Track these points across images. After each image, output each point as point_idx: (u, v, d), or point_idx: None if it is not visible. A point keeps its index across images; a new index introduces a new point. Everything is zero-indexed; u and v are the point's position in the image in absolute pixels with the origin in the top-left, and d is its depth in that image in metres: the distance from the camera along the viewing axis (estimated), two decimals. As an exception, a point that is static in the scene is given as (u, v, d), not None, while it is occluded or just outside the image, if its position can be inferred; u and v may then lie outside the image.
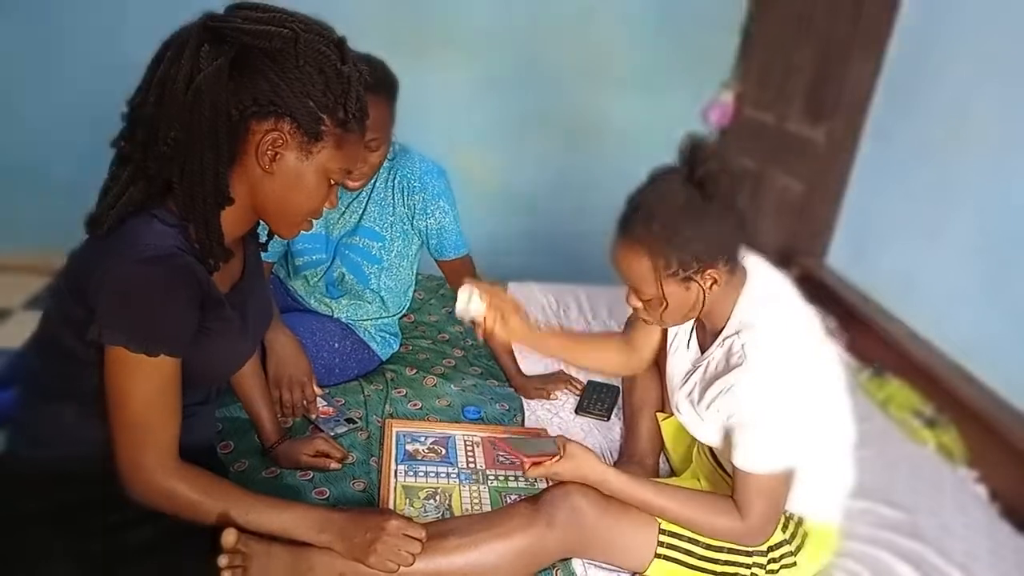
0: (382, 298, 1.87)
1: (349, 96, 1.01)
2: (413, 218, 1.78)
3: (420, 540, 1.16)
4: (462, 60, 3.13)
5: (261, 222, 1.13)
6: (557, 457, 1.24)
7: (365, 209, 1.77)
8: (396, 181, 1.76)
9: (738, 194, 1.15)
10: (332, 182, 1.07)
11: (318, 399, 1.70)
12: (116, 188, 0.98)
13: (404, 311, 1.98)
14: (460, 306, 1.39)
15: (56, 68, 2.92)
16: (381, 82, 1.55)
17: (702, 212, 1.13)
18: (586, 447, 1.25)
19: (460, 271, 1.83)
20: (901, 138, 2.35)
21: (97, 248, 0.98)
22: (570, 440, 1.28)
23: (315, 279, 1.87)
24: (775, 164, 2.95)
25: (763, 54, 3.07)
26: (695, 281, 1.19)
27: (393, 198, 1.77)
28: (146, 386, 0.99)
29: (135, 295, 0.95)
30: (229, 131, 0.97)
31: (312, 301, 1.88)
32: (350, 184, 1.66)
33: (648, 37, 3.19)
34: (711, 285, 1.19)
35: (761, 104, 3.08)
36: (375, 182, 1.76)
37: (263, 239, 1.23)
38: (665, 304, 1.22)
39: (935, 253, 2.17)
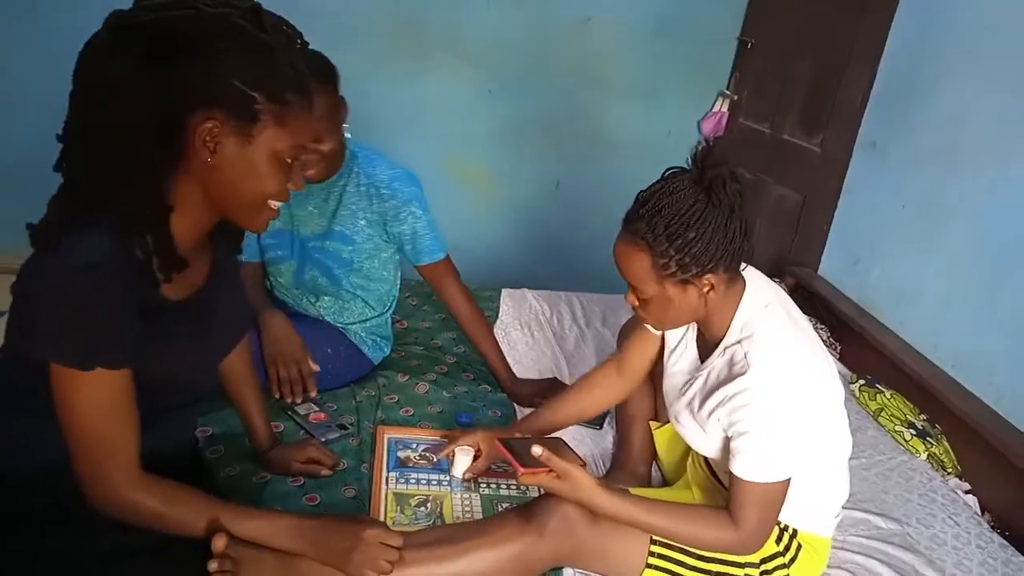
0: (361, 298, 1.86)
1: (277, 65, 0.94)
2: (386, 224, 1.77)
3: (397, 548, 1.14)
4: (462, 68, 3.13)
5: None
6: (551, 471, 1.22)
7: (335, 213, 1.76)
8: (364, 187, 1.74)
9: (745, 202, 1.16)
10: (289, 161, 1.00)
11: (309, 404, 1.69)
12: (54, 202, 0.95)
13: (391, 309, 1.96)
14: (458, 471, 1.50)
15: (52, 73, 2.91)
16: (321, 70, 1.50)
17: (707, 216, 1.14)
18: (582, 469, 1.22)
19: (439, 276, 1.82)
20: (895, 149, 2.36)
21: (31, 264, 0.94)
22: (566, 459, 1.25)
23: (284, 277, 1.87)
24: (770, 174, 2.97)
25: (759, 65, 3.09)
26: (693, 285, 1.19)
27: (362, 203, 1.75)
28: (91, 400, 0.94)
29: (63, 307, 0.90)
30: (161, 133, 0.91)
31: (299, 304, 1.88)
32: (306, 173, 1.55)
33: (646, 47, 3.20)
34: (709, 291, 1.19)
35: (757, 114, 3.10)
36: (344, 185, 1.73)
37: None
38: (662, 305, 1.22)
39: (928, 264, 2.18)
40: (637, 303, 1.26)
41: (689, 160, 1.18)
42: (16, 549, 1.03)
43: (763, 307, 1.24)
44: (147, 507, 1.00)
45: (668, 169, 1.21)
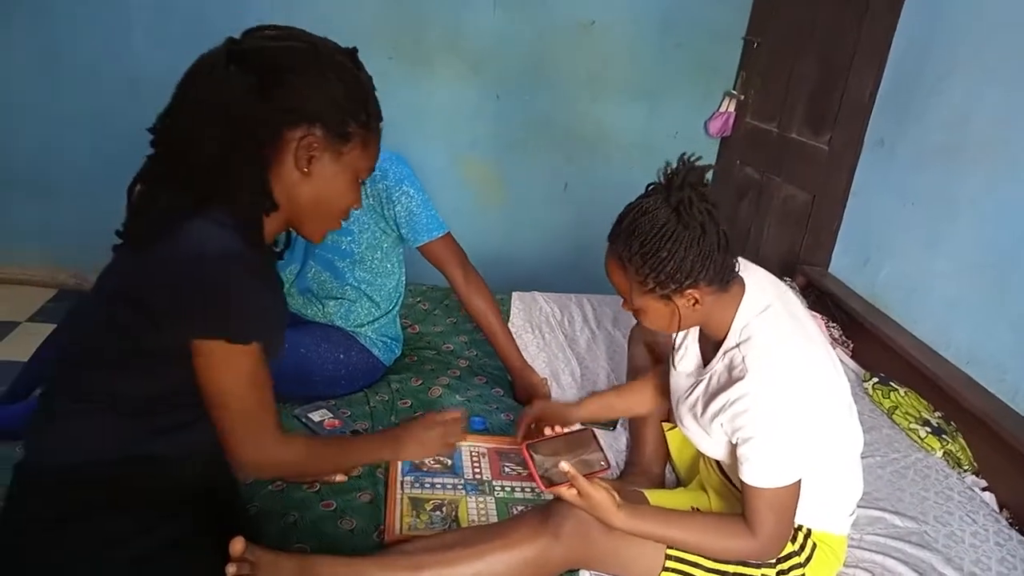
0: (367, 295, 1.87)
1: (369, 99, 1.11)
2: (382, 208, 1.77)
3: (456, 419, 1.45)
4: (466, 70, 3.14)
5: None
6: (570, 486, 1.21)
7: None
8: None
9: (716, 220, 1.16)
10: (359, 181, 1.15)
11: (323, 411, 1.70)
12: (163, 203, 1.02)
13: (397, 306, 1.96)
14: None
15: (59, 79, 2.94)
16: None
17: (678, 236, 1.15)
18: (604, 492, 1.21)
19: (442, 254, 1.82)
20: (903, 147, 2.36)
21: (152, 256, 1.01)
22: (591, 473, 1.25)
23: (287, 284, 1.88)
24: (778, 173, 2.96)
25: (766, 64, 3.09)
26: (675, 299, 1.20)
27: None
28: (246, 371, 1.04)
29: (225, 288, 0.99)
30: (264, 140, 1.03)
31: (307, 311, 1.88)
32: None
33: (651, 48, 3.21)
34: (693, 304, 1.20)
35: (764, 114, 3.09)
36: None
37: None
38: (652, 315, 1.25)
39: (939, 261, 2.17)
40: (631, 311, 1.28)
41: (660, 178, 1.19)
42: (43, 546, 1.05)
43: (762, 309, 1.24)
44: (296, 462, 1.19)
45: (650, 184, 1.21)
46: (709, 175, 1.20)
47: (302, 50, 1.04)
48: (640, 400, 1.61)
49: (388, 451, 1.41)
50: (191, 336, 1.01)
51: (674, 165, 1.18)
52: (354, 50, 1.12)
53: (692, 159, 1.18)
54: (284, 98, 1.02)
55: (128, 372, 1.05)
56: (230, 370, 1.03)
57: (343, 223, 1.17)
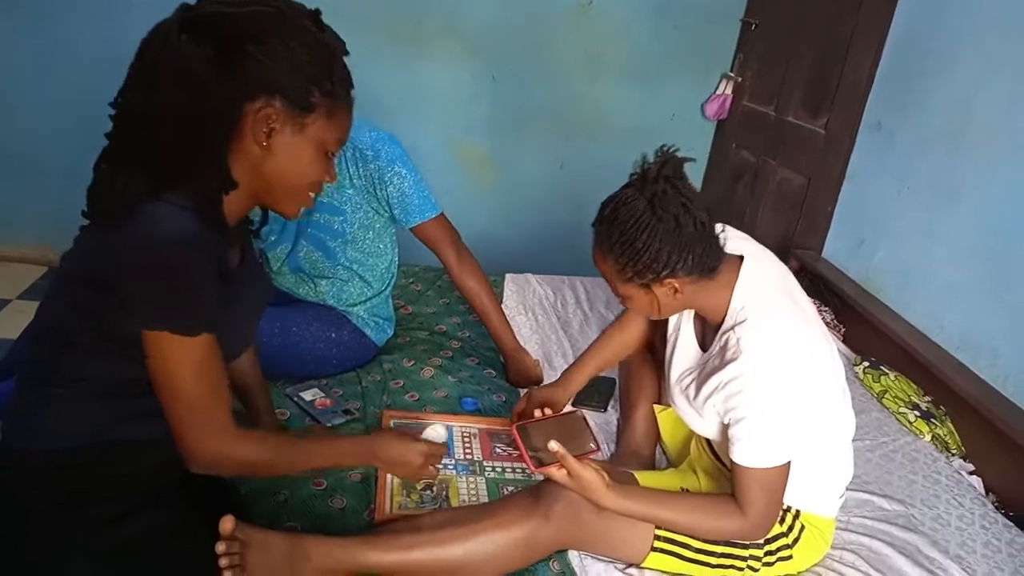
0: (358, 275, 1.86)
1: (334, 65, 1.04)
2: (375, 189, 1.76)
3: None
4: (462, 52, 3.12)
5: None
6: (560, 467, 1.21)
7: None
8: (349, 152, 1.73)
9: (693, 212, 1.16)
10: (329, 154, 1.09)
11: (315, 390, 1.70)
12: (120, 179, 0.98)
13: (389, 287, 1.95)
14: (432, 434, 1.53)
15: (53, 60, 2.91)
16: None
17: (653, 228, 1.15)
18: (593, 472, 1.21)
19: (435, 234, 1.81)
20: (900, 131, 2.35)
21: (110, 236, 0.98)
22: (582, 454, 1.26)
23: (278, 264, 1.87)
24: (774, 156, 2.95)
25: (763, 46, 3.07)
26: (656, 288, 1.21)
27: (348, 169, 1.74)
28: (194, 363, 1.01)
29: (171, 278, 0.96)
30: (223, 116, 0.98)
31: (298, 290, 1.88)
32: None
33: (649, 29, 3.18)
34: (673, 293, 1.22)
35: (761, 96, 3.08)
36: None
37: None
38: (637, 302, 1.26)
39: (933, 246, 2.17)
40: (617, 296, 1.29)
41: (632, 174, 1.20)
42: (35, 532, 1.04)
43: (760, 291, 1.24)
44: (249, 459, 1.10)
45: (632, 173, 1.21)
46: (699, 151, 1.20)
47: (259, 15, 0.98)
48: (623, 343, 1.63)
49: (357, 461, 1.32)
50: (140, 325, 0.98)
51: (651, 158, 1.18)
52: (316, 11, 1.04)
53: (670, 150, 1.18)
54: (241, 68, 0.97)
55: (98, 356, 1.03)
56: (177, 361, 1.00)
57: (333, 201, 1.15)
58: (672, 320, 1.42)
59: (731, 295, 1.25)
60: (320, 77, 1.02)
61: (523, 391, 1.81)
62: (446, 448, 1.48)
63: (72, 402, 1.05)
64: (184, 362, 1.00)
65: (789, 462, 1.21)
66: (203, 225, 1.00)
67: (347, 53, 1.07)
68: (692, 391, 1.30)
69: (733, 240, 1.29)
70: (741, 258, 1.28)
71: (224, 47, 0.96)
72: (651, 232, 1.15)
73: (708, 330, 1.33)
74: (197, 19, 0.97)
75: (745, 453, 1.20)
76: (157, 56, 0.96)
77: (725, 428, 1.25)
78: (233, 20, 0.97)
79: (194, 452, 1.05)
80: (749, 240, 1.34)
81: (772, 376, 1.18)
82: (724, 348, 1.23)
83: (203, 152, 0.99)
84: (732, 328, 1.22)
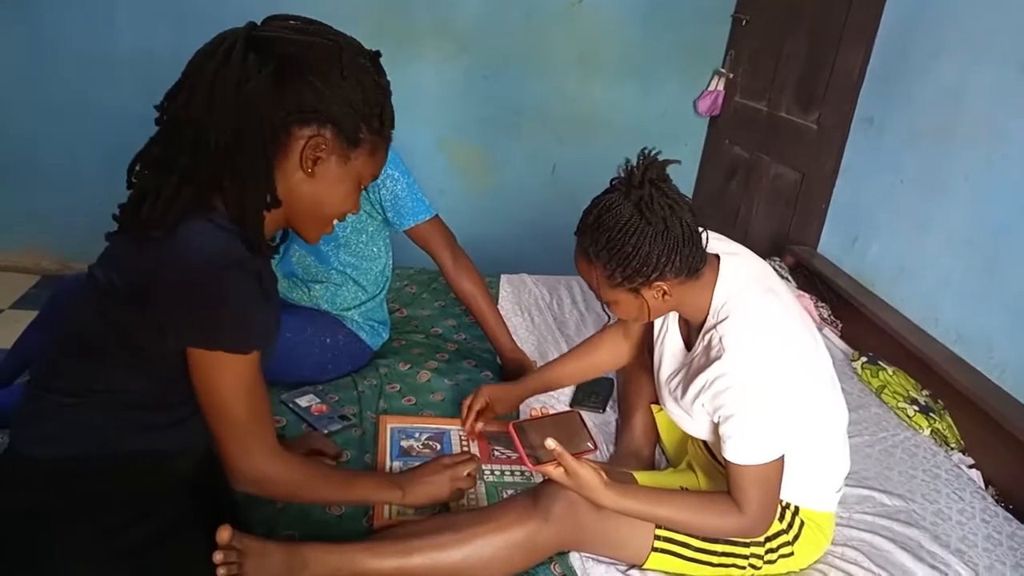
0: (352, 279, 1.85)
1: (385, 106, 1.08)
2: (368, 192, 1.74)
3: (472, 462, 1.36)
4: (453, 51, 3.11)
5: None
6: (557, 464, 1.20)
7: None
8: None
9: (680, 214, 1.16)
10: (361, 187, 1.12)
11: (311, 396, 1.69)
12: (167, 190, 0.98)
13: (384, 291, 1.94)
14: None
15: (43, 65, 2.89)
16: None
17: (642, 231, 1.15)
18: (591, 470, 1.20)
19: (430, 237, 1.80)
20: (893, 125, 2.35)
21: (153, 252, 0.98)
22: (579, 452, 1.25)
23: (272, 268, 1.85)
24: (767, 152, 2.95)
25: (754, 42, 3.07)
26: (644, 291, 1.21)
27: None
28: (243, 381, 1.02)
29: (223, 298, 0.97)
30: (271, 135, 1.00)
31: (291, 295, 1.87)
32: None
33: (639, 27, 3.18)
34: (662, 295, 1.21)
35: (753, 92, 3.08)
36: None
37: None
38: (624, 308, 1.26)
39: (928, 240, 2.17)
40: (602, 303, 1.29)
41: (621, 173, 1.19)
42: (37, 539, 1.04)
43: (739, 288, 1.24)
44: (288, 480, 1.11)
45: (614, 179, 1.21)
46: (692, 146, 1.20)
47: (325, 47, 1.00)
48: (592, 364, 1.63)
49: (393, 495, 1.29)
50: (188, 343, 0.99)
51: (634, 161, 1.18)
52: (377, 54, 1.08)
53: (652, 154, 1.18)
54: (299, 95, 0.99)
55: (122, 368, 1.04)
56: (226, 378, 1.01)
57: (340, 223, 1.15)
58: (657, 323, 1.42)
59: (711, 294, 1.25)
60: (371, 115, 1.05)
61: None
62: (474, 472, 1.39)
63: (80, 411, 1.05)
64: (234, 381, 1.02)
65: (783, 456, 1.21)
66: (247, 247, 1.01)
67: (391, 94, 1.11)
68: (680, 392, 1.30)
69: (711, 241, 1.29)
70: (718, 257, 1.27)
71: (284, 71, 0.98)
72: (640, 236, 1.15)
73: (692, 330, 1.33)
74: (264, 41, 0.99)
75: (737, 450, 1.19)
76: (219, 70, 0.97)
77: (716, 427, 1.25)
78: (297, 47, 0.99)
79: (240, 470, 1.06)
80: (724, 239, 1.34)
81: (757, 371, 1.18)
82: (708, 347, 1.23)
83: (252, 168, 1.00)
84: (715, 326, 1.22)
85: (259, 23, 1.03)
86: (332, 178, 1.07)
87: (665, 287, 1.20)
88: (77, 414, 1.05)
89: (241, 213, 1.02)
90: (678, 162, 1.21)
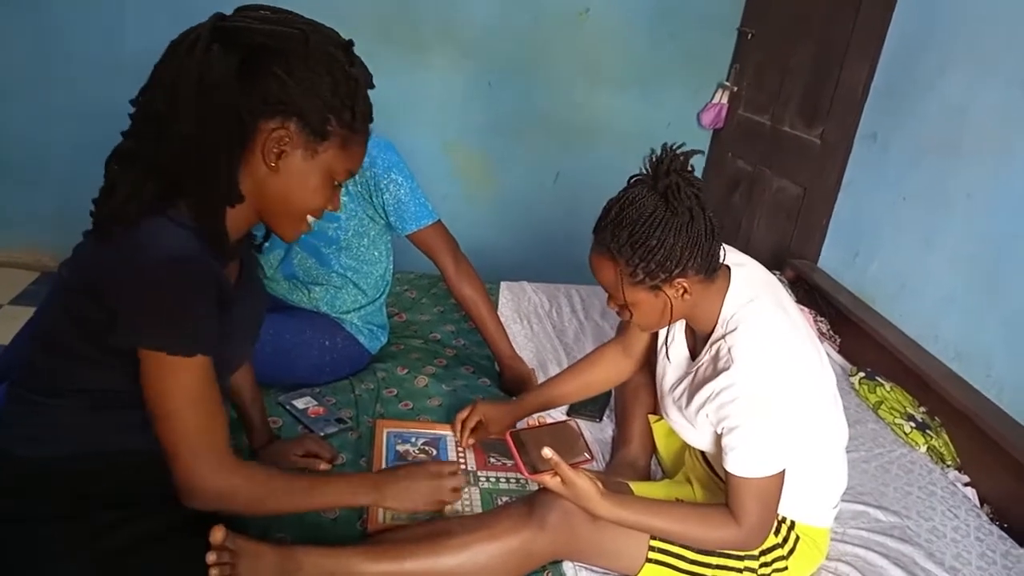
0: (352, 282, 1.85)
1: (357, 97, 1.03)
2: (371, 196, 1.74)
3: (458, 474, 1.31)
4: (458, 58, 3.12)
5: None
6: (554, 474, 1.20)
7: None
8: None
9: (703, 206, 1.16)
10: (335, 183, 1.08)
11: (308, 398, 1.69)
12: (125, 187, 0.97)
13: (384, 295, 1.94)
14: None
15: (49, 65, 2.89)
16: None
17: (667, 223, 1.14)
18: (587, 480, 1.20)
19: (432, 242, 1.80)
20: (896, 141, 2.35)
21: (112, 248, 0.97)
22: (575, 461, 1.25)
23: (271, 270, 1.86)
24: (770, 166, 2.96)
25: (760, 56, 3.08)
26: (665, 289, 1.19)
27: None
28: (190, 386, 0.98)
29: (168, 297, 0.95)
30: (236, 128, 0.97)
31: (291, 296, 1.87)
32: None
33: (645, 38, 3.19)
34: (682, 294, 1.20)
35: (757, 106, 3.08)
36: None
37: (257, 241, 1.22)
38: (640, 310, 1.24)
39: (928, 257, 2.17)
40: (617, 309, 1.27)
41: (646, 167, 1.19)
42: (25, 540, 1.03)
43: (749, 300, 1.24)
44: (244, 493, 1.05)
45: (632, 176, 1.21)
46: (695, 160, 1.20)
47: (291, 36, 0.97)
48: (606, 373, 1.61)
49: (366, 498, 1.23)
50: (132, 342, 0.96)
51: (658, 152, 1.18)
52: (349, 42, 1.04)
53: (675, 146, 1.18)
54: (265, 87, 0.96)
55: (90, 366, 1.02)
56: (172, 384, 0.97)
57: (318, 220, 1.13)
58: (662, 332, 1.42)
59: (721, 304, 1.24)
60: (340, 107, 1.01)
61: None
62: (459, 487, 1.33)
63: (58, 411, 1.04)
64: (181, 387, 0.98)
65: (784, 471, 1.21)
66: (202, 244, 0.99)
67: (372, 86, 1.07)
68: (684, 401, 1.30)
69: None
70: (728, 268, 1.27)
71: (249, 62, 0.96)
72: (665, 227, 1.14)
73: (699, 340, 1.33)
74: (229, 31, 0.97)
75: (739, 462, 1.19)
76: (184, 61, 0.95)
77: (718, 439, 1.24)
78: (263, 37, 0.97)
79: (193, 487, 1.01)
80: (732, 250, 1.34)
81: (765, 384, 1.18)
82: (716, 357, 1.22)
83: (214, 162, 0.97)
84: (723, 337, 1.22)
85: (229, 14, 1.00)
86: (298, 173, 1.03)
87: (686, 284, 1.19)
88: (54, 413, 1.04)
89: (201, 209, 0.99)
90: (701, 152, 1.21)
